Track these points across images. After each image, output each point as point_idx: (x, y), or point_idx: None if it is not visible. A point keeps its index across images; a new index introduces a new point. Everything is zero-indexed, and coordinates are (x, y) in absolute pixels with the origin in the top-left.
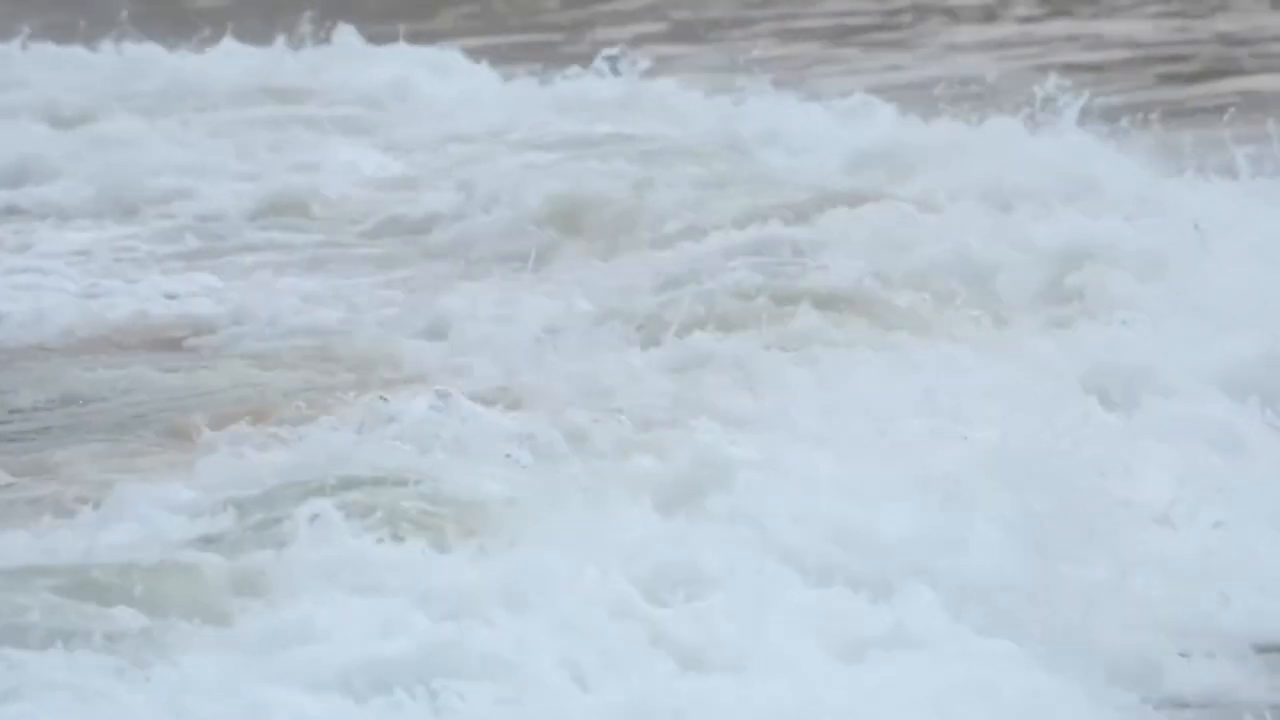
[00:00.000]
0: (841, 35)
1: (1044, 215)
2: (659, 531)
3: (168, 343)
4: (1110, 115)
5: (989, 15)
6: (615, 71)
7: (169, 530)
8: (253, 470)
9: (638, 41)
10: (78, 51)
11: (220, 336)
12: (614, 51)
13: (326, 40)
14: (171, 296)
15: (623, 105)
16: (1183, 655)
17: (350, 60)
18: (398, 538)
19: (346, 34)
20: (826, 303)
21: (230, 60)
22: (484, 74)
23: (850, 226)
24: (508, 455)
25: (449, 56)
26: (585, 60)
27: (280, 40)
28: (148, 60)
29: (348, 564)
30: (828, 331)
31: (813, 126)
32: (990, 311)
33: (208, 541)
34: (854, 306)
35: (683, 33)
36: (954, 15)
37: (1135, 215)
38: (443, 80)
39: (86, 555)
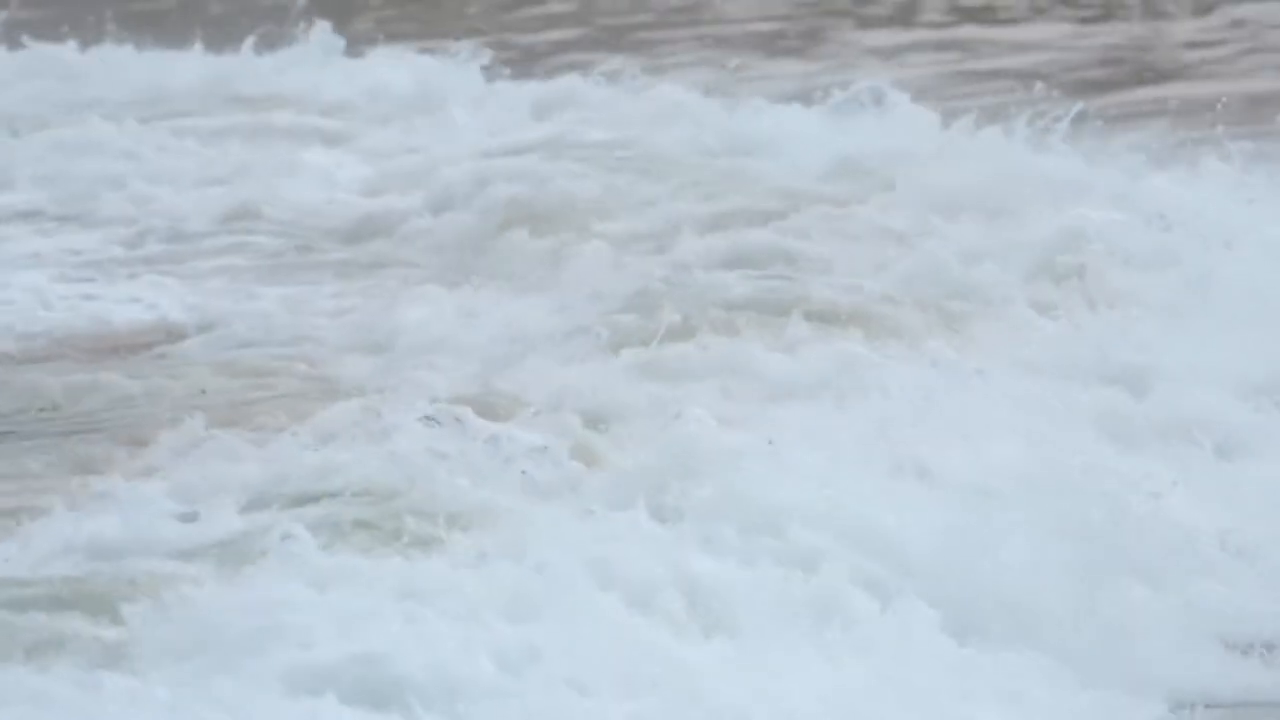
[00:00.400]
0: (763, 42)
1: (1034, 217)
2: (660, 535)
3: (133, 349)
4: (1035, 120)
5: (901, 21)
6: (611, 83)
7: (154, 536)
8: (230, 479)
9: (560, 48)
10: (49, 50)
11: (186, 343)
12: (613, 65)
13: (304, 40)
14: (137, 302)
15: (601, 109)
16: (1229, 649)
17: (323, 64)
18: (395, 546)
19: (322, 32)
20: (817, 311)
21: (197, 64)
22: (462, 76)
23: (838, 233)
24: (523, 472)
25: (423, 61)
26: (512, 66)
27: (249, 43)
28: (116, 64)
29: (341, 573)
30: (820, 337)
31: (802, 130)
32: (988, 314)
33: (193, 550)
34: (846, 314)
35: (604, 39)
36: (863, 20)
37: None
38: (418, 83)
39: (61, 564)
